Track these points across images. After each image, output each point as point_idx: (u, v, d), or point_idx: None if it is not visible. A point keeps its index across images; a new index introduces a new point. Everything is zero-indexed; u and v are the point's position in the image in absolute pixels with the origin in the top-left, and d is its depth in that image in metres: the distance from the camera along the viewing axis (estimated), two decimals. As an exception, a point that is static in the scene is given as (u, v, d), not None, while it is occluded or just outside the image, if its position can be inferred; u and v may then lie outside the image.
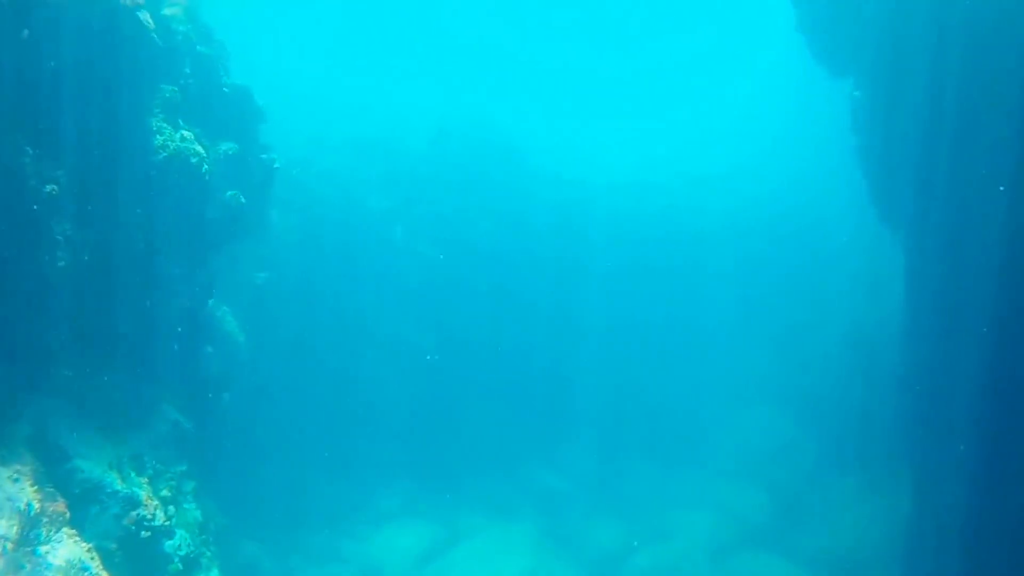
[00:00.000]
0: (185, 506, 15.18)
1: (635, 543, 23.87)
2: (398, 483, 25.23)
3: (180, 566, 13.30)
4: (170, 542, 13.32)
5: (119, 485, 12.73)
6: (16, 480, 10.54)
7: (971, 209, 15.21)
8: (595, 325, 28.85)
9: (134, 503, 12.81)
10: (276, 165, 19.87)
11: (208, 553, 15.28)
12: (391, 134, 28.32)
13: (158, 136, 15.40)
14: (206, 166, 15.81)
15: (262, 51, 33.53)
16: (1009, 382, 14.34)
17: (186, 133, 15.91)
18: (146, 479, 13.54)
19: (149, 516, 12.81)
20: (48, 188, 12.66)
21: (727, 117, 36.88)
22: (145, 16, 14.77)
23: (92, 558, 10.58)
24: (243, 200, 18.08)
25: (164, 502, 13.56)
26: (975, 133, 15.00)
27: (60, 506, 10.68)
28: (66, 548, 10.35)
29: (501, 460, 26.40)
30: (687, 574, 23.06)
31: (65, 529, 10.60)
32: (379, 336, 26.35)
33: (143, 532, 12.63)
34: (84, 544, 10.66)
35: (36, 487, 10.67)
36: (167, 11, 17.67)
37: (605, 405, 28.11)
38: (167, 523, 13.16)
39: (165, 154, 15.32)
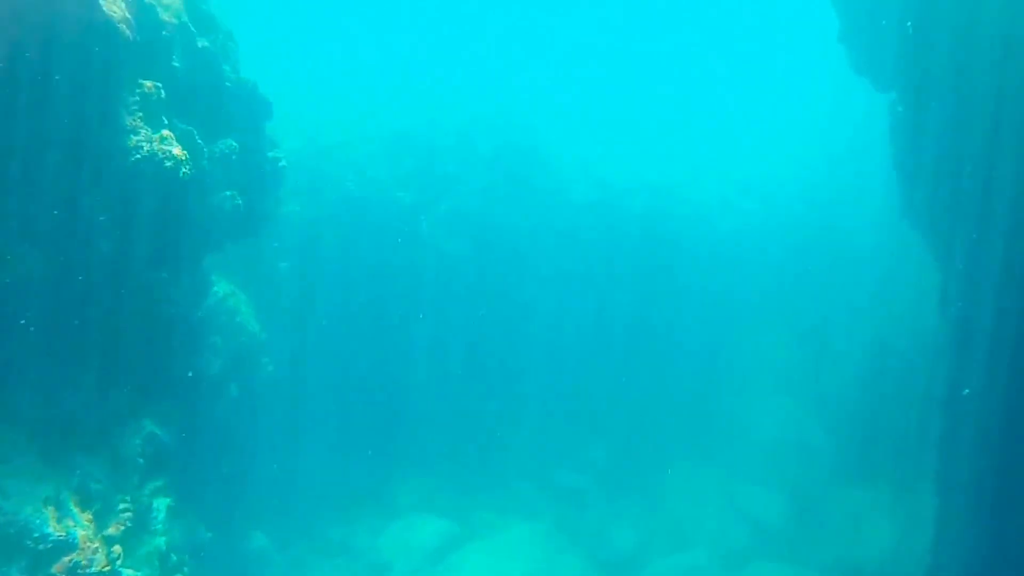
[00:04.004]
0: (154, 528, 12.83)
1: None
2: (414, 477, 22.85)
3: (120, 614, 10.90)
4: (110, 587, 10.89)
5: (51, 527, 10.29)
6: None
7: (1013, 229, 13.13)
8: (619, 321, 25.95)
9: (68, 547, 10.36)
10: (282, 163, 17.23)
11: (175, 579, 12.94)
12: (420, 129, 25.44)
13: (132, 136, 12.78)
14: (185, 168, 13.17)
15: (293, 43, 31.10)
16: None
17: (166, 133, 13.27)
18: (90, 514, 11.10)
19: (84, 562, 10.37)
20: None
21: (759, 120, 33.39)
22: (110, 6, 12.09)
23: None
24: (239, 201, 15.54)
25: (108, 542, 11.12)
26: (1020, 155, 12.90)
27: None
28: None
29: (520, 457, 23.87)
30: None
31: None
32: (400, 329, 23.73)
33: (75, 581, 10.19)
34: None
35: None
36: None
37: (628, 402, 25.36)
38: (106, 568, 10.68)
39: (139, 156, 12.71)
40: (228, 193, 15.40)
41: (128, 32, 12.34)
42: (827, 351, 25.70)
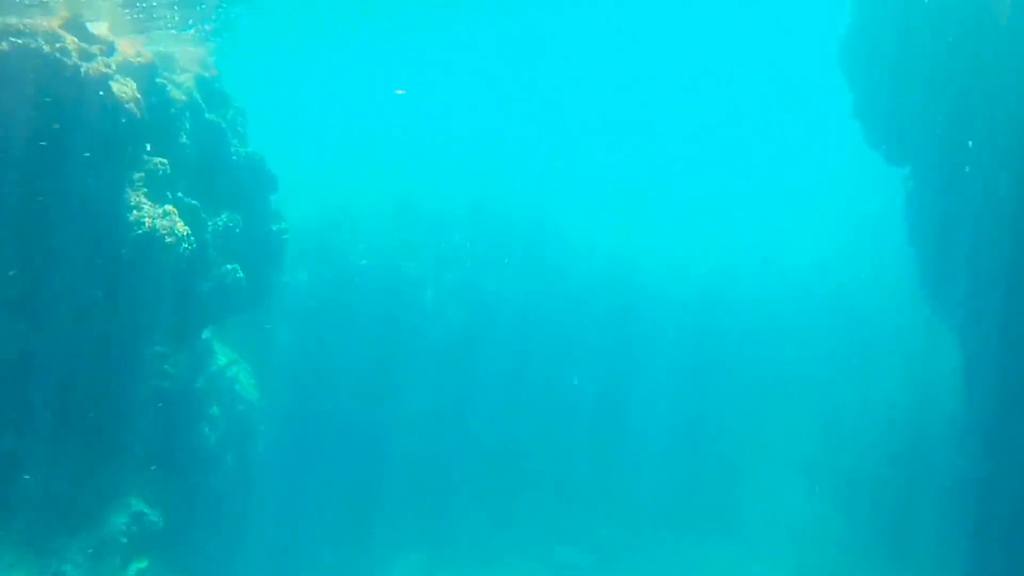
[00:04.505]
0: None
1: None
2: (411, 553, 22.17)
3: None
4: None
5: (25, 615, 9.95)
6: None
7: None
8: (626, 394, 25.42)
9: (41, 636, 10.01)
10: (286, 236, 17.20)
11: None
12: (429, 198, 25.51)
13: (135, 211, 12.78)
14: (186, 244, 13.13)
15: (309, 108, 31.40)
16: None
17: (170, 208, 13.28)
18: (68, 600, 10.75)
19: (55, 653, 9.99)
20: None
21: (776, 193, 33.27)
22: (120, 87, 12.19)
23: None
24: (241, 275, 15.44)
25: (83, 629, 10.75)
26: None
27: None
28: None
29: (520, 533, 23.10)
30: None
31: None
32: (402, 400, 23.38)
33: (44, 673, 9.81)
34: None
35: None
36: (177, 77, 15.30)
37: (634, 477, 24.64)
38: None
39: (140, 231, 12.69)
40: (230, 267, 15.33)
41: (136, 111, 12.42)
42: (844, 428, 25.02)
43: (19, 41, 10.64)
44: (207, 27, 16.81)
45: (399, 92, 26.71)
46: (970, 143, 13.02)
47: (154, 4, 13.89)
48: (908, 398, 22.65)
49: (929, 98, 14.82)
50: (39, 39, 10.87)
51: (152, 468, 14.09)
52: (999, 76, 13.20)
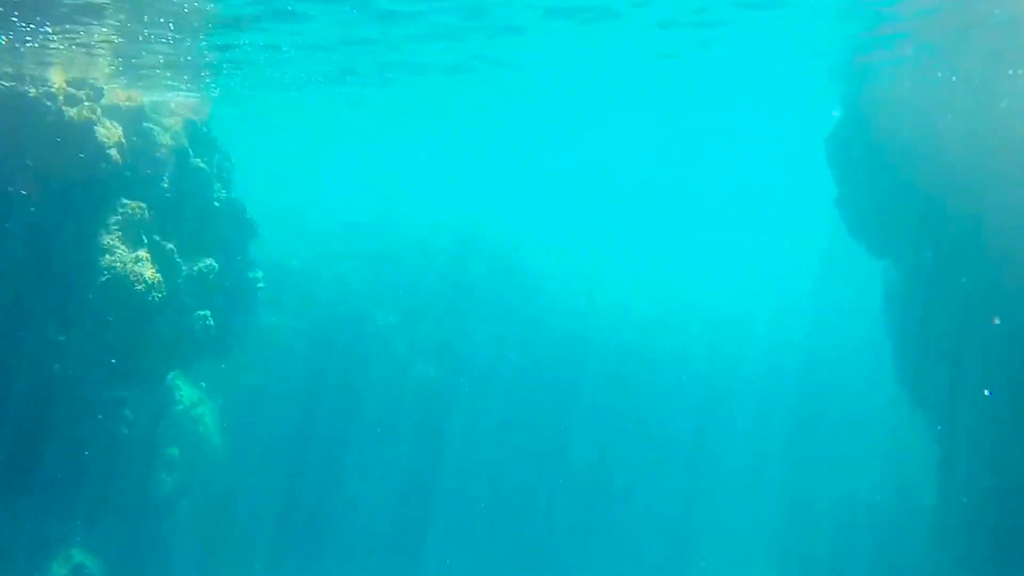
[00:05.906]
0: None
1: None
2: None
3: None
4: None
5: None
6: None
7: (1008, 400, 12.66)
8: (590, 465, 25.01)
9: None
10: (260, 284, 17.03)
11: None
12: (405, 247, 25.40)
13: (107, 255, 12.60)
14: (155, 293, 12.91)
15: (294, 154, 31.32)
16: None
17: (143, 253, 13.11)
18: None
19: None
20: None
21: (758, 263, 33.22)
22: (105, 131, 12.10)
23: None
24: (211, 322, 15.21)
25: None
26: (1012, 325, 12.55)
27: None
28: None
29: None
30: None
31: None
32: (369, 451, 23.03)
33: None
34: None
35: None
36: (167, 121, 15.20)
37: (597, 551, 24.15)
38: None
39: (109, 276, 12.49)
40: (201, 313, 15.10)
41: (118, 156, 12.35)
42: (815, 513, 24.46)
43: (5, 84, 10.53)
44: (199, 83, 16.77)
45: None
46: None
47: (147, 68, 13.85)
48: (880, 485, 22.32)
49: (912, 195, 14.84)
50: (25, 82, 10.77)
51: (101, 516, 13.74)
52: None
